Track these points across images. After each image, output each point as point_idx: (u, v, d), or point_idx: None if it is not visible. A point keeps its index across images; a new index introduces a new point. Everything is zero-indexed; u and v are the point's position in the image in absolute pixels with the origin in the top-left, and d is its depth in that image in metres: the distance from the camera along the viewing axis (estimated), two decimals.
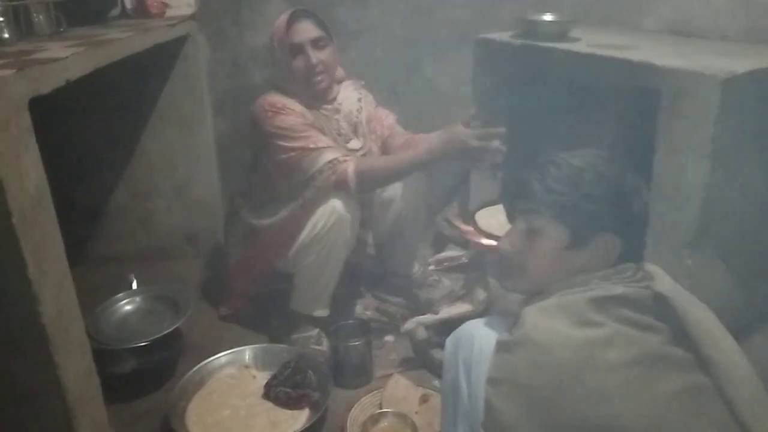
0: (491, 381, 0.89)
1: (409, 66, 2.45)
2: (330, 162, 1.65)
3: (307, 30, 1.73)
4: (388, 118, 1.96)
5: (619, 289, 0.87)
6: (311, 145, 1.66)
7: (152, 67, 2.17)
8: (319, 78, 1.75)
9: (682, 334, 0.84)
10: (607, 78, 1.62)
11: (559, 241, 0.97)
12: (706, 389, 0.81)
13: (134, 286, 1.91)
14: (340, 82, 1.89)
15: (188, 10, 2.23)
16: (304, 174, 1.67)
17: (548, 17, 1.90)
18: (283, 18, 1.73)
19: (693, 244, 1.49)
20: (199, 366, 1.67)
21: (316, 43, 1.74)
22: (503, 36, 1.95)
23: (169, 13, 2.20)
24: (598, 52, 1.63)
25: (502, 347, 0.90)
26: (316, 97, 1.79)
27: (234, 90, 2.47)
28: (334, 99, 1.86)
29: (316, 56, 1.73)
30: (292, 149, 1.66)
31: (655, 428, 0.78)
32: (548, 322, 0.86)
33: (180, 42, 2.16)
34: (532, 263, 0.99)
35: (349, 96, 1.90)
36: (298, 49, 1.73)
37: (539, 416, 0.82)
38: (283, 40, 1.72)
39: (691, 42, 1.80)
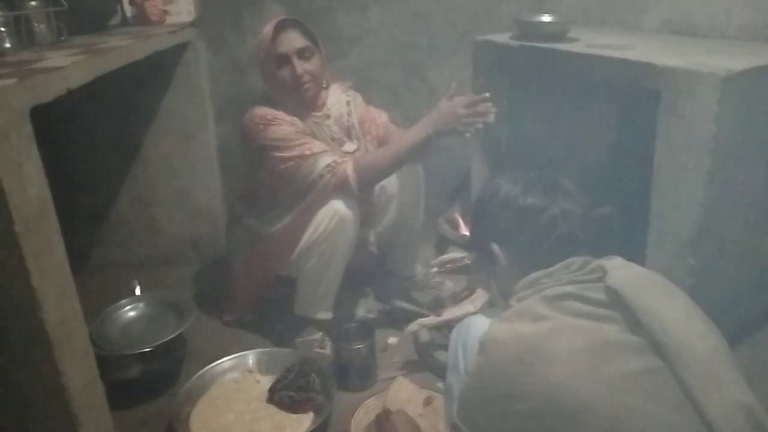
0: (465, 374, 0.98)
1: (409, 69, 2.45)
2: (328, 165, 1.65)
3: (293, 40, 1.72)
4: (380, 116, 1.97)
5: (568, 288, 0.93)
6: (307, 152, 1.66)
7: (153, 75, 2.18)
8: (305, 87, 1.75)
9: (636, 321, 0.88)
10: (607, 78, 1.62)
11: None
12: (660, 371, 0.84)
13: (138, 292, 1.92)
14: (327, 87, 1.88)
15: (188, 17, 2.24)
16: (303, 181, 1.67)
17: (546, 18, 1.90)
18: (269, 28, 1.72)
19: (695, 243, 1.48)
20: (202, 371, 1.67)
21: (302, 54, 1.73)
22: (502, 37, 1.95)
23: (170, 20, 2.21)
24: (597, 52, 1.63)
25: (479, 348, 0.96)
26: (304, 105, 1.79)
27: (235, 96, 2.48)
28: (323, 105, 1.85)
29: (301, 66, 1.72)
30: (290, 158, 1.67)
31: (606, 409, 0.81)
32: (508, 324, 0.94)
33: (180, 49, 2.17)
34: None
35: (338, 100, 1.89)
36: (283, 59, 1.72)
37: (498, 407, 0.89)
38: (269, 50, 1.72)
39: (690, 41, 1.80)
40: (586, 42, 1.76)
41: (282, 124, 1.69)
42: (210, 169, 2.37)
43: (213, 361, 1.71)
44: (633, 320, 0.88)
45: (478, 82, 2.04)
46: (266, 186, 1.79)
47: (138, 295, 1.90)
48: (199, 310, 1.83)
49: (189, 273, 2.34)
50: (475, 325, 1.04)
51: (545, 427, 0.84)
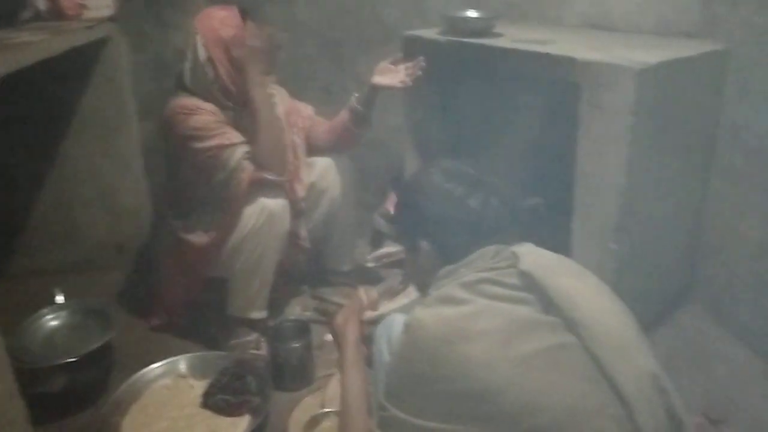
0: (390, 354, 1.02)
1: (339, 64, 2.44)
2: (246, 154, 1.64)
3: (257, 33, 1.72)
4: (306, 109, 1.99)
5: (484, 274, 0.98)
6: (226, 142, 1.64)
7: (71, 72, 2.08)
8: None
9: (550, 302, 0.93)
10: (531, 72, 1.67)
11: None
12: (572, 346, 0.89)
13: (60, 300, 1.82)
14: None
15: (107, 12, 2.14)
16: (222, 172, 1.65)
17: (472, 13, 1.94)
18: (233, 14, 1.69)
19: (617, 230, 1.55)
20: (132, 379, 1.61)
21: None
22: (430, 33, 1.97)
23: (87, 14, 2.11)
24: (521, 47, 1.67)
25: (403, 329, 0.99)
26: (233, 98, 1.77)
27: (160, 93, 2.39)
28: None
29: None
30: (208, 149, 1.64)
31: (522, 384, 0.85)
32: (429, 309, 0.97)
33: (100, 44, 2.08)
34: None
35: None
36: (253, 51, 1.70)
37: (420, 386, 0.92)
38: (239, 37, 1.67)
39: (607, 35, 1.88)
40: (511, 37, 1.81)
41: (203, 114, 1.66)
42: (135, 169, 2.29)
43: (143, 368, 1.65)
44: (546, 301, 0.93)
45: None
46: (189, 183, 1.75)
47: (60, 303, 1.81)
48: (127, 316, 1.77)
49: (115, 278, 2.25)
50: (398, 319, 1.07)
51: (466, 408, 0.87)
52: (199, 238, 1.73)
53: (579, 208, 1.61)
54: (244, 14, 1.71)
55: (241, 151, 1.65)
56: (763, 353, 1.66)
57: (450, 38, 1.87)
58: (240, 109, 1.78)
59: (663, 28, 1.86)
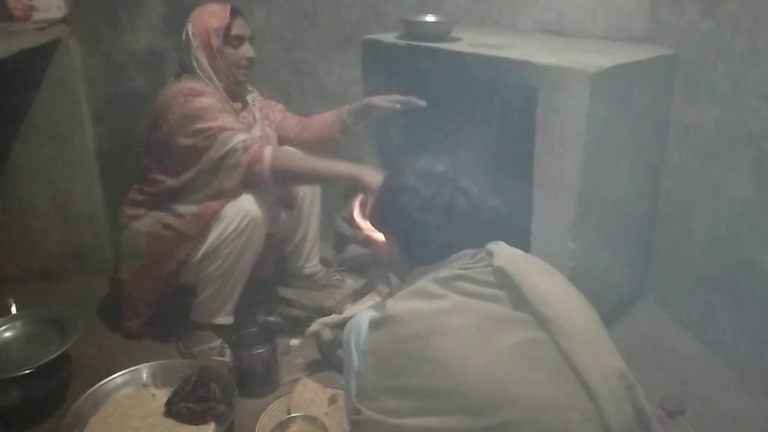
0: (361, 353, 1.01)
1: (298, 67, 2.44)
2: (244, 141, 1.65)
3: (246, 26, 1.79)
4: (277, 105, 2.04)
5: (459, 271, 1.00)
6: (228, 125, 1.66)
7: (21, 74, 2.02)
8: (247, 71, 1.80)
9: (521, 298, 0.95)
10: (488, 75, 1.70)
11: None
12: (543, 342, 0.92)
13: (14, 310, 1.77)
14: None
15: (58, 13, 2.09)
16: (217, 152, 1.64)
17: (430, 18, 1.96)
18: (221, 8, 1.74)
19: (574, 229, 1.59)
20: (92, 389, 1.57)
21: (251, 41, 1.80)
22: (389, 37, 1.99)
23: (37, 16, 2.05)
24: (479, 51, 1.70)
25: (371, 326, 1.01)
26: (233, 88, 1.81)
27: (114, 96, 2.35)
28: (243, 95, 1.90)
29: (251, 52, 1.79)
30: (208, 129, 1.64)
31: (494, 378, 0.87)
32: (403, 303, 0.99)
33: (51, 47, 2.03)
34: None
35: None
36: (238, 41, 1.76)
37: (394, 382, 0.93)
38: (221, 28, 1.72)
39: (561, 40, 1.93)
40: (469, 41, 1.84)
41: (210, 97, 1.69)
42: (89, 175, 2.23)
43: (103, 378, 1.61)
44: (518, 298, 0.95)
45: (368, 80, 2.07)
46: (176, 167, 1.72)
47: (14, 314, 1.75)
48: (86, 326, 1.71)
49: (72, 287, 2.19)
50: (365, 319, 1.08)
51: (439, 402, 0.88)
52: (183, 217, 1.70)
53: (537, 208, 1.65)
54: (236, 11, 1.77)
55: (241, 136, 1.65)
56: (716, 346, 1.73)
57: (409, 42, 1.89)
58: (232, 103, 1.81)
59: (613, 33, 1.92)
